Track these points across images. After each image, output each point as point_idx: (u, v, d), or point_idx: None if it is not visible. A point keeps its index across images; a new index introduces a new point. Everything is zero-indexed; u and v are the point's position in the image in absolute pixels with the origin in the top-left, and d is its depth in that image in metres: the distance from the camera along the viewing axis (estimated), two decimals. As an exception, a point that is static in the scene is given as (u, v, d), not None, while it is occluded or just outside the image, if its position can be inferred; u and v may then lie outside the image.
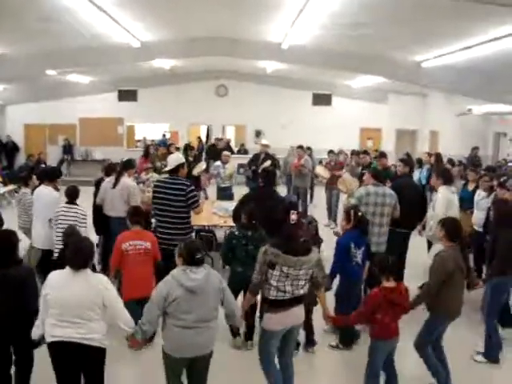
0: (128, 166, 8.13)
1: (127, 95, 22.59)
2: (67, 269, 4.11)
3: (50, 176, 7.80)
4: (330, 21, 10.38)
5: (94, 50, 13.69)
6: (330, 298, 5.73)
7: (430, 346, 5.12)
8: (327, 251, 6.27)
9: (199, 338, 4.11)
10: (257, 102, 21.81)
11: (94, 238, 7.94)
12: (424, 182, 12.55)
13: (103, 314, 4.13)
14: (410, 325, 5.27)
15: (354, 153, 15.26)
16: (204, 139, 24.35)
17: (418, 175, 12.74)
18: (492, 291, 5.87)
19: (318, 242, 9.29)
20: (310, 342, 6.17)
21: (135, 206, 6.86)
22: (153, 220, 7.68)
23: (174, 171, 6.84)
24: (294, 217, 4.83)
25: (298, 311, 4.63)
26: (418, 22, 9.70)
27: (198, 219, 8.61)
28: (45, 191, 7.53)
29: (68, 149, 22.19)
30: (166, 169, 7.02)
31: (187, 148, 13.99)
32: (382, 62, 13.94)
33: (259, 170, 10.08)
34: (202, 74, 21.60)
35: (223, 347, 5.81)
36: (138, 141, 23.70)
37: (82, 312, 4.02)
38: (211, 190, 13.65)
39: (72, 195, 7.06)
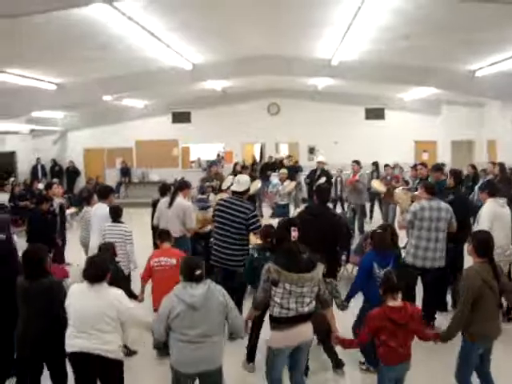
0: (183, 186, 8.24)
1: (181, 117, 23.01)
2: (85, 282, 4.37)
3: (103, 193, 8.26)
4: (380, 34, 10.35)
5: (147, 74, 14.07)
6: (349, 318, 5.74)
7: (472, 375, 4.76)
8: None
9: (202, 352, 4.17)
10: (309, 119, 21.81)
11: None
12: None
13: (118, 327, 4.33)
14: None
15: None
16: (258, 158, 24.50)
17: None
18: None
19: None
20: (337, 364, 5.92)
21: (161, 229, 7.12)
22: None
23: (243, 193, 6.94)
24: (294, 234, 4.79)
25: (304, 329, 4.52)
26: (469, 30, 9.56)
27: (252, 238, 8.65)
28: (101, 207, 7.90)
29: (125, 171, 22.76)
30: (236, 188, 7.02)
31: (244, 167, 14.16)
32: (435, 73, 13.76)
33: (314, 187, 10.06)
34: (253, 93, 21.81)
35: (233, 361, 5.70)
36: (193, 162, 24.07)
37: (97, 324, 4.24)
38: (265, 208, 13.71)
39: (115, 214, 7.38)
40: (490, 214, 6.83)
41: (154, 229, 8.43)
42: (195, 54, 12.83)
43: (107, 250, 6.25)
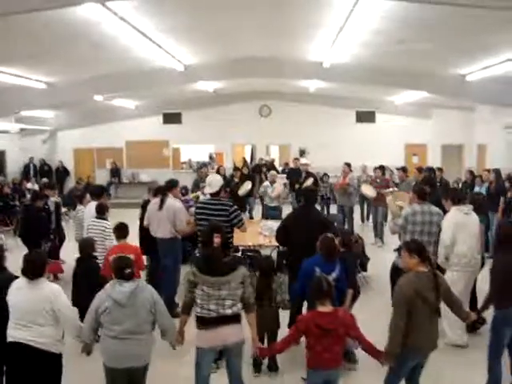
0: (171, 186, 8.18)
1: (172, 118, 22.97)
2: (23, 277, 4.49)
3: (96, 193, 8.67)
4: (371, 38, 10.38)
5: (139, 74, 14.03)
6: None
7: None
8: (373, 269, 6.18)
9: (129, 349, 4.32)
10: (300, 121, 21.83)
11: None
12: None
13: (56, 321, 4.44)
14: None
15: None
16: (248, 159, 24.49)
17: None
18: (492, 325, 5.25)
19: (365, 259, 9.27)
20: (271, 367, 5.98)
21: (118, 223, 7.21)
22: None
23: (218, 193, 6.93)
24: (217, 240, 5.15)
25: (228, 331, 4.55)
26: (460, 34, 9.62)
27: (243, 239, 8.65)
28: (93, 206, 8.17)
29: (115, 172, 22.69)
30: (209, 191, 7.04)
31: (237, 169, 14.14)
32: (425, 77, 13.82)
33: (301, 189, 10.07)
34: (244, 95, 21.80)
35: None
36: (184, 163, 24.03)
37: (34, 317, 4.37)
38: (256, 210, 13.71)
39: (100, 210, 7.76)
40: (452, 222, 6.53)
41: (144, 230, 8.37)
42: (187, 55, 12.81)
43: (87, 245, 6.68)
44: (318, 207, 14.98)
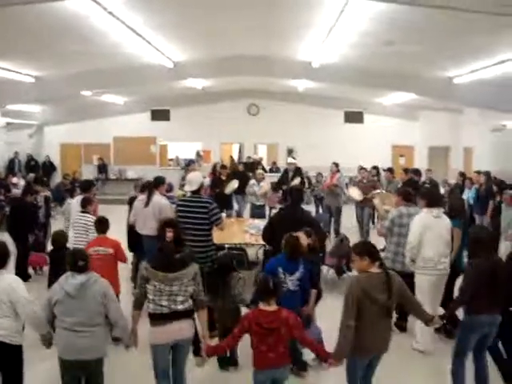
0: (158, 183, 8.18)
1: (160, 115, 22.90)
2: None
3: (85, 186, 8.79)
4: (361, 39, 10.43)
5: (128, 70, 13.98)
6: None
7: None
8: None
9: (81, 341, 4.33)
10: (288, 121, 21.87)
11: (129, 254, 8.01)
12: (472, 202, 12.13)
13: (15, 313, 4.41)
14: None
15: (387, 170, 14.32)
16: (236, 158, 24.48)
17: (466, 195, 12.43)
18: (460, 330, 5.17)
19: (350, 260, 9.31)
20: (233, 362, 6.00)
21: (99, 217, 7.28)
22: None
23: (198, 191, 6.95)
24: (169, 234, 5.20)
25: (180, 326, 4.60)
26: (449, 37, 9.69)
27: (230, 237, 8.65)
28: (79, 199, 8.30)
29: (102, 168, 22.56)
30: (188, 189, 7.07)
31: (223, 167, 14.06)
32: (413, 79, 13.90)
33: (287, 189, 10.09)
34: (233, 94, 21.81)
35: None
36: (171, 160, 23.98)
37: None
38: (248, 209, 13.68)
39: (84, 204, 7.82)
40: (420, 225, 6.36)
41: (130, 227, 8.36)
42: (176, 52, 12.78)
43: (59, 237, 7.09)
44: (313, 207, 15.00)
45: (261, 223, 9.58)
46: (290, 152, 22.28)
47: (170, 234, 5.22)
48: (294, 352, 5.45)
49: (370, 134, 21.88)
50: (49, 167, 22.27)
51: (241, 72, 15.10)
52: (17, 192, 15.83)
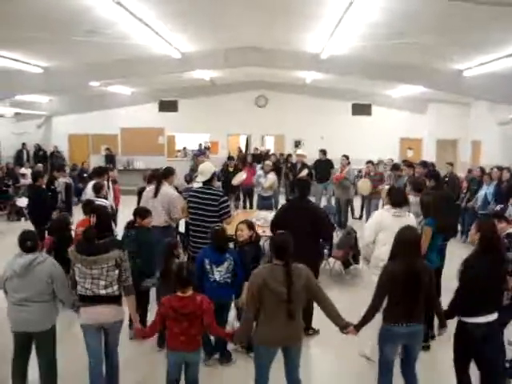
0: (167, 174, 8.20)
1: (168, 106, 22.91)
2: None
3: (97, 173, 9.63)
4: (370, 31, 10.37)
5: (136, 61, 13.96)
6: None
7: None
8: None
9: (26, 315, 4.66)
10: (296, 112, 21.83)
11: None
12: (490, 198, 11.49)
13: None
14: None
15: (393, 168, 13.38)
16: (244, 149, 24.50)
17: (484, 191, 11.81)
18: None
19: (357, 252, 9.32)
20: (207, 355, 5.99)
21: (86, 199, 7.97)
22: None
23: (209, 181, 6.97)
24: (93, 219, 5.49)
25: (104, 310, 4.76)
26: (459, 29, 9.62)
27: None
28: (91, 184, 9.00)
29: (110, 158, 22.59)
30: (201, 179, 7.10)
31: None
32: (423, 72, 13.82)
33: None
34: (241, 85, 21.79)
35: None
36: (179, 151, 24.02)
37: None
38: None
39: (96, 190, 8.49)
40: (376, 224, 6.13)
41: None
42: (184, 43, 12.76)
43: (60, 221, 7.44)
44: (324, 199, 14.89)
45: (268, 214, 9.59)
46: (297, 144, 22.26)
47: (93, 220, 5.49)
48: (216, 343, 5.77)
49: (378, 127, 21.81)
50: (57, 158, 22.32)
51: (249, 63, 15.04)
52: (25, 182, 15.95)
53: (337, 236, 9.97)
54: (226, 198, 6.95)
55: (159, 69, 14.89)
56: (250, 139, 23.74)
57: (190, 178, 10.77)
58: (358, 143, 20.41)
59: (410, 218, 6.16)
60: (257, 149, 20.83)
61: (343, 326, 4.46)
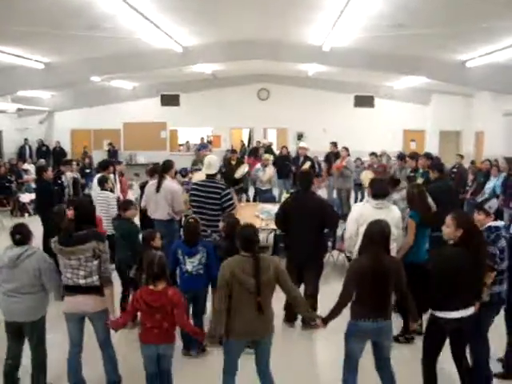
0: (167, 167, 8.17)
1: (170, 100, 22.90)
2: None
3: (102, 166, 9.82)
4: (372, 22, 10.33)
5: (137, 55, 13.94)
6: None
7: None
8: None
9: (15, 305, 4.83)
10: (298, 105, 21.80)
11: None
12: (499, 191, 11.32)
13: None
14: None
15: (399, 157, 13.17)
16: (246, 142, 24.48)
17: (492, 183, 11.67)
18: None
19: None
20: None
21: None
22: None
23: (214, 174, 7.03)
24: (70, 212, 5.67)
25: (84, 300, 4.83)
26: (462, 20, 9.57)
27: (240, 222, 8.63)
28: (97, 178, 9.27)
29: (112, 153, 22.56)
30: (207, 172, 7.10)
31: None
32: (426, 63, 13.76)
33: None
34: (243, 78, 21.75)
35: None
36: (181, 145, 24.00)
37: None
38: (251, 193, 13.71)
39: (101, 184, 8.67)
40: (357, 216, 6.03)
41: (142, 211, 8.41)
42: (186, 37, 12.72)
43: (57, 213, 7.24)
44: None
45: (272, 208, 9.58)
46: (299, 137, 22.23)
47: (70, 212, 5.69)
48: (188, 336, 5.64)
49: (381, 119, 21.80)
50: (59, 153, 22.32)
51: (250, 56, 15.00)
52: (28, 178, 15.95)
53: (341, 228, 9.96)
54: (228, 190, 6.97)
55: (161, 63, 14.86)
56: (253, 132, 23.72)
57: (185, 173, 10.78)
58: (360, 135, 20.40)
59: (392, 210, 6.09)
60: (259, 142, 20.80)
61: (311, 318, 4.44)
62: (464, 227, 4.52)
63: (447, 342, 4.66)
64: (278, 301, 5.71)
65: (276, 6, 10.16)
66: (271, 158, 13.17)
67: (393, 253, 5.79)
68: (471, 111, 20.11)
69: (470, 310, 4.53)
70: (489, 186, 11.67)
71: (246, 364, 4.66)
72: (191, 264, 5.80)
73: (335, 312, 4.46)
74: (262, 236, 9.60)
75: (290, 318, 6.70)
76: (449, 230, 4.62)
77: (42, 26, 10.12)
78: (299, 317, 6.58)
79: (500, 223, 4.97)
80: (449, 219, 4.64)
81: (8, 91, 16.21)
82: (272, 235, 9.43)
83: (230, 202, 6.90)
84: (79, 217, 5.06)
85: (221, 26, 12.18)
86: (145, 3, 9.19)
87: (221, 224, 6.21)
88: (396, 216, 6.04)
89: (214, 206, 6.78)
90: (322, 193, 11.96)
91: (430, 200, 6.53)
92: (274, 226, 7.71)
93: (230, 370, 4.48)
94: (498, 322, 5.20)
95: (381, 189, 6.15)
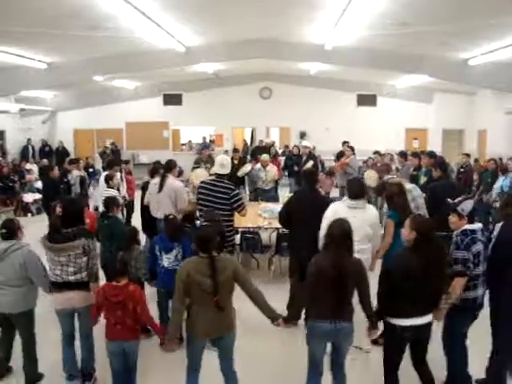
0: (170, 167, 8.18)
1: (172, 99, 22.90)
2: None
3: (108, 165, 10.66)
4: (374, 20, 10.31)
5: (139, 55, 13.94)
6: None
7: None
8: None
9: (5, 298, 4.99)
10: (301, 104, 21.79)
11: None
12: (507, 190, 10.90)
13: None
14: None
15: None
16: (249, 141, 24.48)
17: (500, 183, 11.40)
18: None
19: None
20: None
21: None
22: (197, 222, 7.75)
23: (223, 174, 7.06)
24: (58, 209, 5.91)
25: (74, 296, 4.98)
26: (465, 18, 9.53)
27: (244, 221, 8.65)
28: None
29: (115, 153, 22.58)
30: (220, 171, 7.11)
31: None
32: (428, 61, 13.73)
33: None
34: (245, 77, 21.74)
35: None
36: (184, 144, 24.00)
37: None
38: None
39: (107, 181, 9.27)
40: (331, 214, 5.79)
41: (143, 210, 8.42)
42: (188, 36, 12.71)
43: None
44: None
45: (275, 207, 9.57)
46: (302, 135, 22.21)
47: (58, 210, 5.95)
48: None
49: (383, 117, 21.76)
50: (62, 153, 22.33)
51: (253, 55, 14.98)
52: (31, 178, 15.98)
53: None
54: (237, 191, 7.02)
55: (163, 63, 14.85)
56: (255, 131, 23.70)
57: (179, 173, 10.81)
58: (363, 134, 20.33)
59: (368, 210, 6.02)
60: (262, 141, 20.80)
61: (272, 318, 4.41)
62: (417, 230, 4.41)
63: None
64: (279, 301, 5.75)
65: (278, 5, 10.15)
66: (268, 158, 13.14)
67: (367, 253, 5.89)
68: (474, 109, 20.07)
69: (428, 318, 4.43)
70: (497, 185, 11.47)
71: (212, 361, 4.69)
72: (168, 260, 5.98)
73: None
74: (264, 235, 9.62)
75: (293, 317, 6.68)
76: (405, 232, 4.58)
77: (44, 26, 10.12)
78: (302, 316, 6.57)
79: (477, 226, 4.80)
80: (407, 221, 4.59)
81: (11, 91, 16.23)
82: (275, 234, 9.41)
83: (240, 203, 6.95)
84: (67, 215, 5.17)
85: (223, 26, 12.16)
86: (147, 3, 9.18)
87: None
88: (371, 216, 5.99)
89: (222, 206, 6.80)
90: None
91: (409, 201, 6.51)
92: (277, 225, 7.72)
93: (192, 367, 4.55)
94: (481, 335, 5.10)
95: (356, 189, 6.07)
